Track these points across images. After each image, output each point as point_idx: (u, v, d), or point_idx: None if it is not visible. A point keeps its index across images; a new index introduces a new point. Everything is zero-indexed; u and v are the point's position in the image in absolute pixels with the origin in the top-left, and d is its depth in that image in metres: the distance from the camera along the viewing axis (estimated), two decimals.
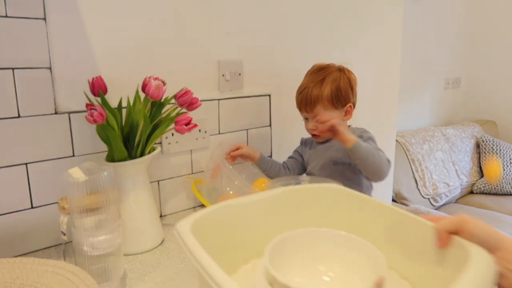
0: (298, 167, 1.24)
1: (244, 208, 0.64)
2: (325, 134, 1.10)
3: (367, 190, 1.15)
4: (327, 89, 1.08)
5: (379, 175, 1.02)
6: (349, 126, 1.17)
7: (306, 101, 1.10)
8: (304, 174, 1.24)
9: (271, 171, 1.21)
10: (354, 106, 1.14)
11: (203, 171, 1.19)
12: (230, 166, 1.14)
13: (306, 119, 1.15)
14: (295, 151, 1.27)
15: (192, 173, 1.17)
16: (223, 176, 1.10)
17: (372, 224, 0.60)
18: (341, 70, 1.13)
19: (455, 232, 0.50)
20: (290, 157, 1.27)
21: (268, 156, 1.33)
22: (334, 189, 0.70)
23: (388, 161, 1.03)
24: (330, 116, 1.04)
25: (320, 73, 1.12)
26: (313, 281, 0.55)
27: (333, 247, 0.58)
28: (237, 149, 1.17)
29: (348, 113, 1.13)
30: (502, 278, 0.47)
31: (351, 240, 0.56)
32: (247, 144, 1.29)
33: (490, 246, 0.48)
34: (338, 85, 1.09)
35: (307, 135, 1.26)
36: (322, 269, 0.57)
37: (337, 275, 0.56)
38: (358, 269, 0.54)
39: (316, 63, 1.17)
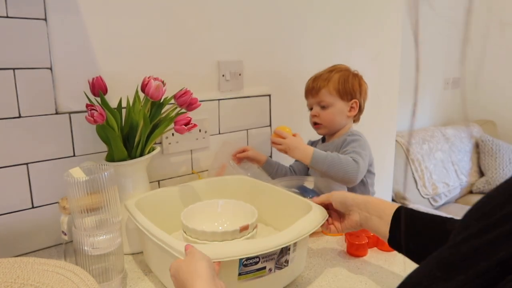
0: (305, 169, 1.24)
1: (175, 192, 0.96)
2: (327, 124, 1.13)
3: (367, 186, 1.15)
4: (335, 78, 1.12)
5: (345, 181, 1.01)
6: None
7: (312, 87, 1.13)
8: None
9: (278, 174, 1.21)
10: (360, 108, 1.15)
11: (206, 170, 1.19)
12: (236, 166, 1.14)
13: (310, 109, 1.17)
14: None
15: (192, 173, 1.17)
16: (228, 175, 1.10)
17: (263, 199, 0.93)
18: (353, 72, 1.16)
19: (327, 202, 0.79)
20: (296, 160, 1.27)
21: (269, 157, 1.33)
22: (242, 179, 1.04)
23: (356, 162, 1.01)
24: (284, 136, 1.06)
25: (331, 67, 1.16)
26: (210, 227, 0.78)
27: (225, 209, 0.88)
28: (244, 151, 1.18)
29: (353, 110, 1.14)
30: (364, 224, 0.73)
31: (237, 204, 0.88)
32: (247, 144, 1.30)
33: (348, 205, 0.75)
34: (346, 78, 1.12)
35: (309, 137, 1.26)
36: (220, 222, 0.87)
37: (228, 225, 0.86)
38: (240, 221, 0.79)
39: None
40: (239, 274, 0.66)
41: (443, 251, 0.32)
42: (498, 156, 2.58)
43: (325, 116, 1.12)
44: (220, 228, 0.86)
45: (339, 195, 0.77)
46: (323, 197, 0.80)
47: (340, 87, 1.11)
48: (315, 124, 1.16)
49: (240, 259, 0.65)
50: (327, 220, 0.77)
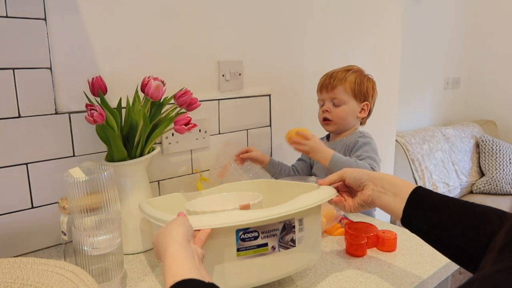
0: (308, 169, 1.24)
1: (188, 198, 0.91)
2: (338, 121, 1.13)
3: None
4: (351, 77, 1.13)
5: None
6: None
7: (328, 82, 1.14)
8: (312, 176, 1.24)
9: (281, 174, 1.21)
10: (369, 111, 1.17)
11: (207, 170, 1.19)
12: (238, 166, 1.14)
13: (322, 105, 1.17)
14: None
15: (192, 173, 1.17)
16: (229, 176, 1.10)
17: (281, 197, 0.82)
18: (367, 75, 1.17)
19: (340, 180, 0.75)
20: (299, 160, 1.27)
21: (272, 157, 1.33)
22: (257, 182, 0.98)
23: (373, 170, 1.01)
24: (308, 138, 1.04)
25: (347, 67, 1.17)
26: (211, 209, 0.74)
27: (231, 198, 0.86)
28: (247, 151, 1.17)
29: (363, 111, 1.15)
30: (376, 199, 0.70)
31: (243, 194, 0.85)
32: (248, 144, 1.30)
33: (363, 180, 0.72)
34: (362, 79, 1.14)
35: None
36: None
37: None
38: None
39: None
40: (238, 250, 0.62)
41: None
42: (498, 156, 2.58)
43: (337, 114, 1.13)
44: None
45: (354, 171, 0.74)
46: (334, 176, 0.76)
47: (356, 87, 1.12)
48: (325, 120, 1.16)
49: (237, 232, 0.61)
50: (342, 196, 0.75)
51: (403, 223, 0.67)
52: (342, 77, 1.13)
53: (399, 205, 0.66)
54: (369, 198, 0.71)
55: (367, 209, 0.74)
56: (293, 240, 0.67)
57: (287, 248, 0.67)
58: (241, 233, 0.62)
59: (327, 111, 1.14)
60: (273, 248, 0.65)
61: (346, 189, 0.77)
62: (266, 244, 0.64)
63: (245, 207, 0.72)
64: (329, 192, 0.73)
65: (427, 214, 0.64)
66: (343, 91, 1.12)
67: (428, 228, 0.63)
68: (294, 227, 0.67)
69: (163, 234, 0.57)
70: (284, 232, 0.66)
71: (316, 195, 0.71)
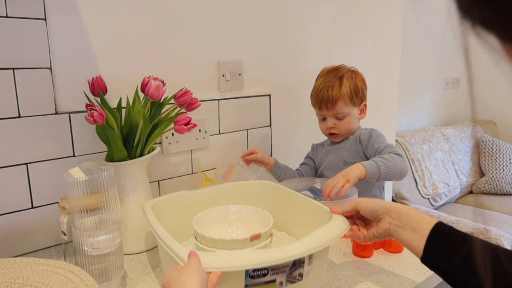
0: (312, 172, 1.23)
1: (195, 196, 0.92)
2: (344, 132, 1.13)
3: (378, 189, 1.15)
4: (346, 86, 1.10)
5: (400, 178, 1.02)
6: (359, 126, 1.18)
7: (327, 99, 1.10)
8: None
9: (286, 177, 1.20)
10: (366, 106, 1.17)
11: (213, 168, 1.19)
12: (245, 165, 1.13)
13: (323, 119, 1.15)
14: (307, 157, 1.26)
15: (192, 173, 1.17)
16: (237, 175, 1.10)
17: (286, 206, 0.90)
18: (354, 71, 1.15)
19: (354, 211, 0.73)
20: (302, 164, 1.26)
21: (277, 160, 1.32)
22: (265, 184, 0.99)
23: (400, 155, 1.01)
24: (335, 184, 0.93)
25: (335, 72, 1.14)
26: (222, 234, 0.74)
27: (241, 214, 0.85)
28: (252, 153, 1.17)
29: (362, 112, 1.15)
30: (394, 233, 0.66)
31: (253, 210, 0.84)
32: (247, 145, 1.30)
33: (379, 213, 0.68)
34: (356, 82, 1.12)
35: (310, 139, 1.26)
36: (234, 228, 0.84)
37: (242, 232, 0.83)
38: (255, 228, 0.76)
39: (326, 66, 1.17)
40: (246, 286, 0.62)
41: None
42: (498, 156, 2.58)
43: (343, 126, 1.12)
44: (234, 235, 0.83)
45: (369, 203, 0.70)
46: (348, 207, 0.74)
47: (353, 95, 1.10)
48: (331, 134, 1.15)
49: (246, 270, 0.61)
50: (356, 225, 0.73)
51: (424, 262, 0.63)
52: (338, 90, 1.09)
53: (419, 242, 0.62)
54: (386, 231, 0.68)
55: (383, 239, 0.72)
56: (300, 275, 0.66)
57: (294, 282, 0.66)
58: (250, 271, 0.61)
59: (333, 127, 1.12)
60: (281, 283, 0.64)
61: (360, 216, 0.74)
62: (274, 280, 0.63)
63: (256, 237, 0.71)
64: (341, 227, 0.70)
65: (449, 256, 0.59)
66: (344, 104, 1.10)
67: (450, 271, 0.59)
68: (303, 262, 0.66)
69: (178, 281, 0.54)
70: (293, 268, 0.65)
71: (328, 232, 0.68)
